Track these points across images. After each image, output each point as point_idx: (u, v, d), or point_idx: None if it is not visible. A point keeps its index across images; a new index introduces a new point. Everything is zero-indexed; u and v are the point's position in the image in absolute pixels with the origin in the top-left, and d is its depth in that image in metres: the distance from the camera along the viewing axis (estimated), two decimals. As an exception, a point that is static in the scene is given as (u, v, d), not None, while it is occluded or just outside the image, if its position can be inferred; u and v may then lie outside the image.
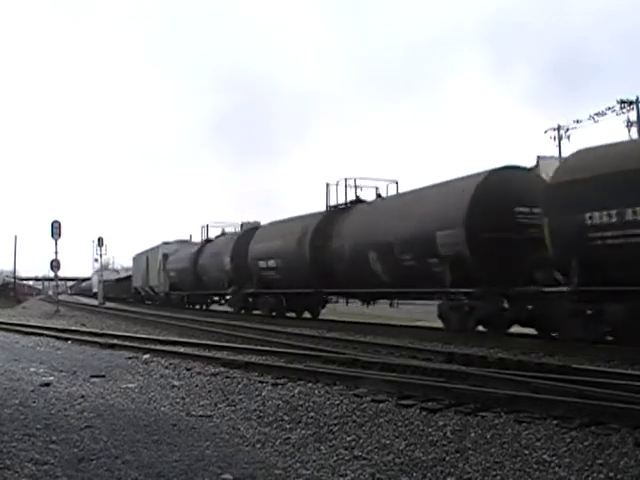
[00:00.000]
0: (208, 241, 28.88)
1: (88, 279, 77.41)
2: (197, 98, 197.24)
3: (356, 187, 18.20)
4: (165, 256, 33.66)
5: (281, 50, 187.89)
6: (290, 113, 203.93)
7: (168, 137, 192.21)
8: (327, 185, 18.71)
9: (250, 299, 23.12)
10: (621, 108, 31.89)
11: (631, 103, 31.68)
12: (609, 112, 32.13)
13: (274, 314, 20.68)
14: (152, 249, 37.86)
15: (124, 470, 3.80)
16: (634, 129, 31.54)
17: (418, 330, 14.56)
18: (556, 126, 34.84)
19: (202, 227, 29.82)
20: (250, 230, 24.17)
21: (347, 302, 19.59)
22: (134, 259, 44.86)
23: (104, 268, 60.38)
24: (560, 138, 34.69)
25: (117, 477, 3.70)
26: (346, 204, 18.15)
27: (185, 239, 36.20)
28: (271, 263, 20.26)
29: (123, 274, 57.07)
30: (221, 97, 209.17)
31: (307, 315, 21.06)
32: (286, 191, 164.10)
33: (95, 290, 50.69)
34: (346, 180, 18.32)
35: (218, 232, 29.20)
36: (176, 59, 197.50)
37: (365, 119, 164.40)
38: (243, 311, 23.89)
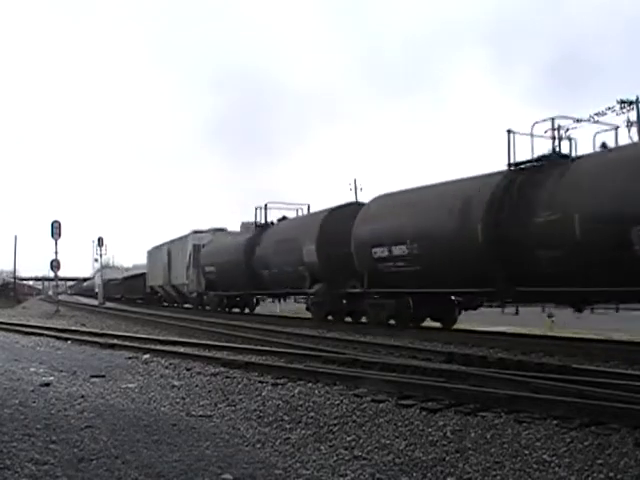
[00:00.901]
0: (267, 226, 22.47)
1: (89, 279, 77.00)
2: (197, 98, 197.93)
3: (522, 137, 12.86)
4: (196, 248, 27.81)
5: (281, 50, 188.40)
6: (290, 113, 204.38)
7: (168, 137, 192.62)
8: (509, 133, 12.98)
9: (344, 301, 17.14)
10: (621, 108, 31.76)
11: (631, 103, 31.55)
12: (609, 112, 32.14)
13: (391, 323, 15.01)
14: (176, 240, 32.09)
15: (124, 470, 3.80)
16: (634, 129, 31.55)
17: (418, 330, 14.55)
18: (556, 126, 34.88)
19: (257, 209, 22.98)
20: (347, 206, 18.13)
21: (543, 308, 14.66)
22: (149, 253, 39.10)
23: (108, 267, 60.15)
24: (560, 138, 34.73)
25: (117, 477, 3.69)
26: (554, 154, 12.86)
27: (221, 227, 30.18)
28: (398, 250, 14.08)
29: (124, 274, 56.29)
30: (221, 97, 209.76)
31: (430, 324, 15.40)
32: (286, 191, 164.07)
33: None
34: (553, 121, 12.87)
35: (278, 215, 22.92)
36: (176, 59, 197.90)
37: (365, 119, 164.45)
38: (330, 317, 17.86)
